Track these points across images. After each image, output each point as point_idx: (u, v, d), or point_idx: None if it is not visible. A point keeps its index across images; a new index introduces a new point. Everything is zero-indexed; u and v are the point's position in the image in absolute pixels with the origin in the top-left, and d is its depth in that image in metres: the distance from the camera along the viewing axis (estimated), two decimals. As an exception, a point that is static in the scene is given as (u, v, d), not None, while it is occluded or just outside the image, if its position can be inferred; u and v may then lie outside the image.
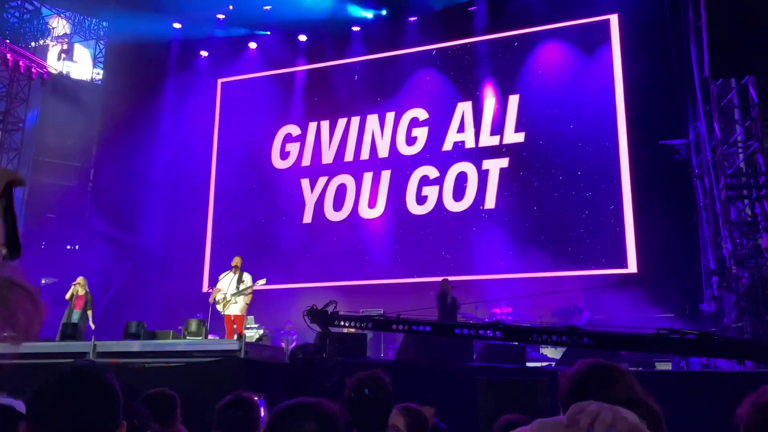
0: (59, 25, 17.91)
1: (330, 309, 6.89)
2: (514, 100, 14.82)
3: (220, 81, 18.04)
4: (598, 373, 2.05)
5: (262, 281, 11.21)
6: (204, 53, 17.83)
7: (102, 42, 18.67)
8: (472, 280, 13.59)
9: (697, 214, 12.87)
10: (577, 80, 14.31)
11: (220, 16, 17.02)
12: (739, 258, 10.58)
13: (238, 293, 11.01)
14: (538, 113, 14.52)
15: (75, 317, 11.54)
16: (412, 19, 16.01)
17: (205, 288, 15.94)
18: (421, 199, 15.16)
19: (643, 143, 13.25)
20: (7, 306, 0.69)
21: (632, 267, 13.06)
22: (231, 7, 16.82)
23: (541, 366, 10.10)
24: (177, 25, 17.14)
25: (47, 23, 17.74)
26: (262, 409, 3.53)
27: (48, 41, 17.73)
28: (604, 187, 13.66)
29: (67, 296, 11.82)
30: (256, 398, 3.90)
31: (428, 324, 6.41)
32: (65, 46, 18.06)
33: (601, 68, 14.17)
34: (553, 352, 11.23)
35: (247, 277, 11.20)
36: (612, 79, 14.02)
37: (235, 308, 10.95)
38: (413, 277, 14.58)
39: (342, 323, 7.02)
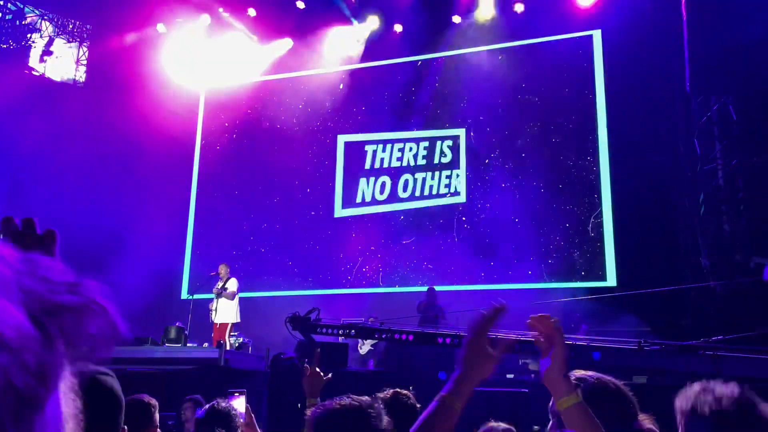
0: (42, 27, 17.72)
1: (313, 316, 6.87)
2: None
3: (204, 89, 17.95)
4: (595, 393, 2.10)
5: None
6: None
7: (85, 44, 18.51)
8: (452, 291, 13.60)
9: (677, 229, 13.01)
10: (558, 94, 14.43)
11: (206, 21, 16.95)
12: (717, 274, 10.73)
13: (218, 297, 11.01)
14: (520, 127, 14.64)
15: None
16: (397, 29, 16.03)
17: (184, 295, 15.82)
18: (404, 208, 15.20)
19: (625, 158, 13.39)
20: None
21: (611, 280, 13.16)
22: (221, 10, 16.73)
23: (523, 377, 10.13)
24: (162, 29, 17.03)
25: (30, 24, 17.54)
26: (244, 404, 3.58)
27: (30, 42, 17.52)
28: (585, 201, 13.78)
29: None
30: (237, 394, 3.91)
31: (411, 333, 6.42)
32: (48, 48, 17.85)
33: (584, 83, 14.31)
34: (533, 364, 11.26)
35: (230, 284, 11.17)
36: (594, 94, 14.16)
37: (219, 316, 10.94)
38: (394, 286, 14.60)
39: (324, 331, 7.00)
